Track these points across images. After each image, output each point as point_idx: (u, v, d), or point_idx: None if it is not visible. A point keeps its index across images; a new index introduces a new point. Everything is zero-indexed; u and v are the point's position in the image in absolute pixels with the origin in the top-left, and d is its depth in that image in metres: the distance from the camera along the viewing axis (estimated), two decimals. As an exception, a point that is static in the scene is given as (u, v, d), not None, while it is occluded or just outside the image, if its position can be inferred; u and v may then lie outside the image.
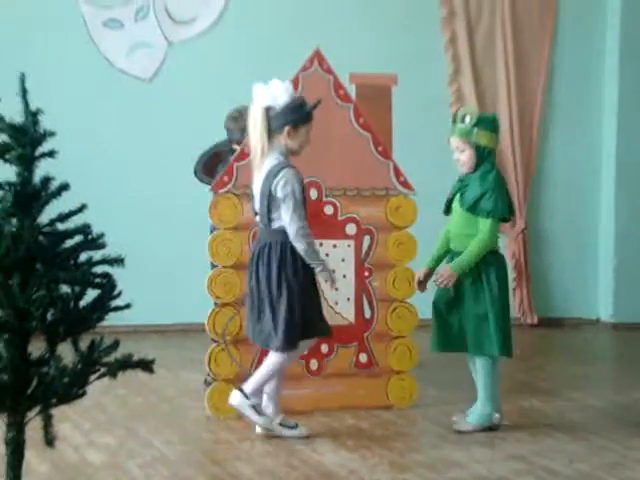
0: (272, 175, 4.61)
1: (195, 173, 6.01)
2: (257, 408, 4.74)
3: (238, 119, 5.68)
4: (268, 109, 4.62)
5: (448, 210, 5.03)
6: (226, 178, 5.14)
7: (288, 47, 7.41)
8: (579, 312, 8.75)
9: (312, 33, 7.33)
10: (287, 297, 4.61)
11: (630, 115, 8.61)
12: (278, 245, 4.64)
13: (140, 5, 7.89)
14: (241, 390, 4.73)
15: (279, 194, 4.59)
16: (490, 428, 4.94)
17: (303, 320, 4.64)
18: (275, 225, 4.66)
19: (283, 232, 4.64)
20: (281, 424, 4.79)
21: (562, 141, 8.69)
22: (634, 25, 8.56)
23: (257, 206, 4.72)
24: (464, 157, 4.89)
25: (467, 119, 4.87)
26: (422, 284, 5.06)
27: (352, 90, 5.49)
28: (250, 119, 4.68)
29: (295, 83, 5.20)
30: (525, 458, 4.54)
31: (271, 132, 4.63)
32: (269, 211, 4.65)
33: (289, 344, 4.64)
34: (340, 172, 5.25)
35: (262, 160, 4.65)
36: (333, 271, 4.90)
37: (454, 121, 4.95)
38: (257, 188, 4.70)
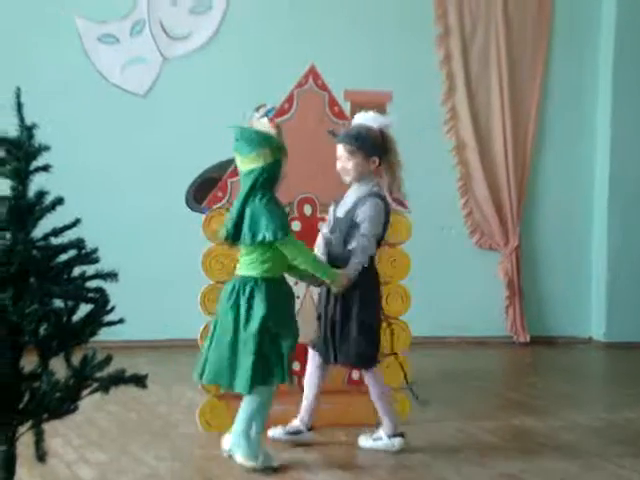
0: None
1: (187, 202, 5.98)
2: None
3: None
4: None
5: None
6: (220, 194, 5.14)
7: (283, 63, 7.43)
8: (571, 331, 8.76)
9: (307, 49, 7.36)
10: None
11: (623, 134, 8.64)
12: None
13: (136, 20, 7.90)
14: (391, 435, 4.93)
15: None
16: None
17: None
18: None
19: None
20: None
21: (555, 160, 8.71)
22: (627, 45, 8.61)
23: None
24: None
25: None
26: None
27: (347, 107, 5.50)
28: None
29: (290, 100, 5.22)
30: (516, 476, 4.53)
31: None
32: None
33: None
34: (334, 189, 5.24)
35: None
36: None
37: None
38: None
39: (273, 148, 4.50)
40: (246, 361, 4.45)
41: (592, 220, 8.80)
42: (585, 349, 8.54)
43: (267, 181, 4.50)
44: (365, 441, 4.96)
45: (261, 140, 4.50)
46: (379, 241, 4.84)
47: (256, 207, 4.47)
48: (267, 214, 4.45)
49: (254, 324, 4.45)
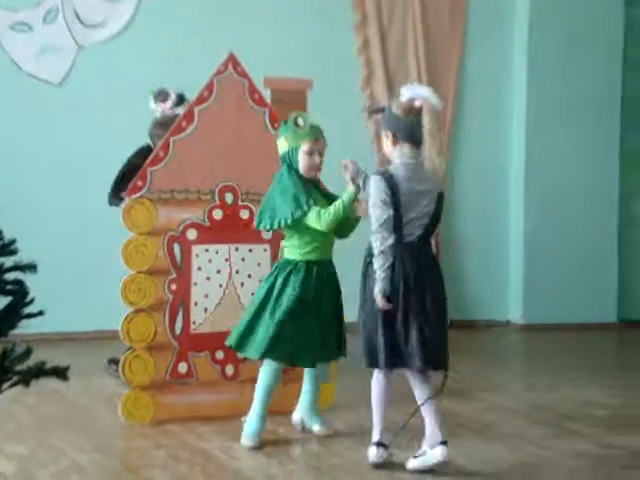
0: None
1: (110, 204, 5.94)
2: None
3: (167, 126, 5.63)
4: None
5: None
6: (140, 183, 5.08)
7: (201, 51, 7.38)
8: (490, 314, 8.89)
9: (225, 37, 7.32)
10: None
11: (538, 120, 8.78)
12: None
13: (49, 8, 7.76)
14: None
15: None
16: None
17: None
18: None
19: None
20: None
21: (472, 146, 8.81)
22: (541, 30, 8.76)
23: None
24: (321, 161, 4.75)
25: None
26: None
27: (267, 94, 5.49)
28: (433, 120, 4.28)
29: (210, 87, 5.18)
30: (441, 459, 4.58)
31: None
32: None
33: None
34: (256, 176, 5.23)
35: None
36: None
37: (296, 124, 4.70)
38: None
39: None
40: None
41: (509, 205, 8.94)
42: (504, 332, 8.68)
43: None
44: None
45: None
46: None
47: None
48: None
49: None
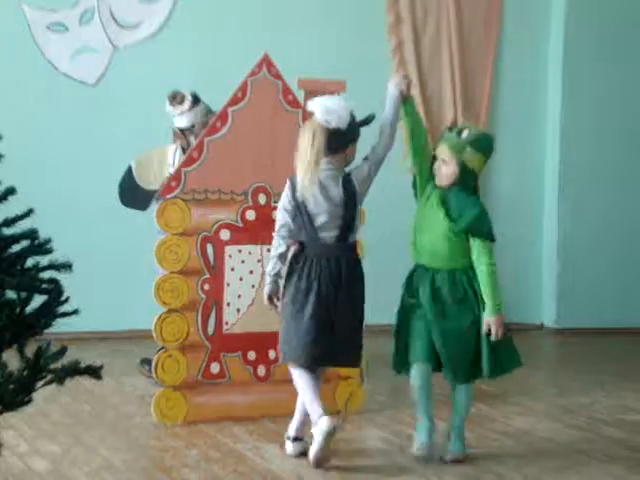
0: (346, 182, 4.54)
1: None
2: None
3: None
4: (333, 130, 4.45)
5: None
6: (174, 183, 5.11)
7: (236, 52, 7.39)
8: (523, 317, 8.81)
9: (260, 38, 7.34)
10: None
11: (573, 122, 8.72)
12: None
13: (85, 9, 7.80)
14: None
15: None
16: None
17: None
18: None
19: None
20: None
21: (507, 147, 8.74)
22: (577, 33, 8.69)
23: (323, 220, 4.49)
24: (447, 170, 4.62)
25: (464, 134, 4.63)
26: None
27: (301, 95, 5.48)
28: (308, 136, 4.45)
29: (243, 88, 5.19)
30: (473, 462, 4.57)
31: (333, 150, 4.50)
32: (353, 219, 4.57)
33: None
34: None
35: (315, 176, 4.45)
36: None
37: (449, 130, 4.73)
38: (319, 203, 4.48)
39: None
40: None
41: (543, 207, 8.88)
42: (537, 335, 8.62)
43: None
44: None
45: None
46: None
47: None
48: None
49: None
